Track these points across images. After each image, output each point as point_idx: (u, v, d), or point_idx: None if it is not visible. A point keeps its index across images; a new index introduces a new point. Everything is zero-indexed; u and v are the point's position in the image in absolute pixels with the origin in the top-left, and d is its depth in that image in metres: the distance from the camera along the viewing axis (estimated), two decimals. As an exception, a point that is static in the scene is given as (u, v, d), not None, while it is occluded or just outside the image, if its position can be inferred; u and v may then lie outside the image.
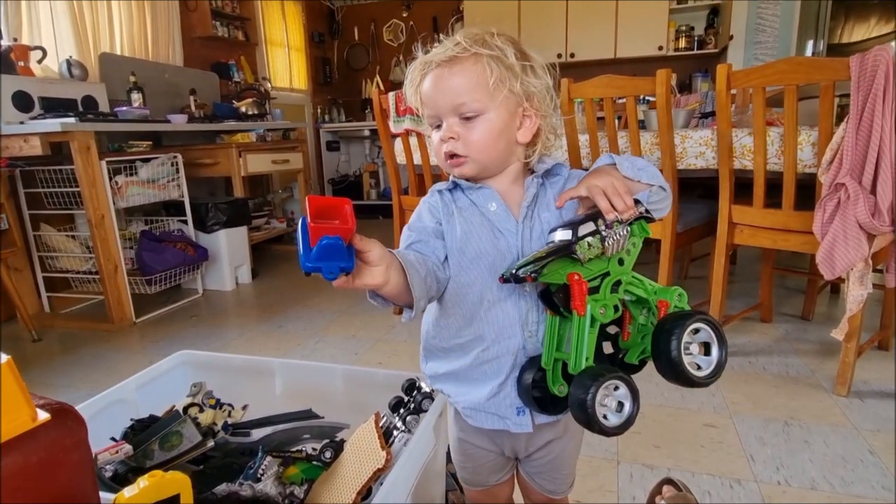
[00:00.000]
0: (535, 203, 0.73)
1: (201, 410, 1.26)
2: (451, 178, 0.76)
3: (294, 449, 1.19)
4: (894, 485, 1.24)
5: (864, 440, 1.41)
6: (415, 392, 1.20)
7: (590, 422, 0.58)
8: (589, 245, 0.62)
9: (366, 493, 1.01)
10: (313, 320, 2.47)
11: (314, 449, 1.19)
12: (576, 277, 0.62)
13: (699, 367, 0.62)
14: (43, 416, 0.55)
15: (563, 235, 0.62)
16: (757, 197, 1.72)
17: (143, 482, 0.54)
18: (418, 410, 1.16)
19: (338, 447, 1.18)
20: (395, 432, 1.14)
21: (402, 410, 1.18)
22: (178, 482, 0.56)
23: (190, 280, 2.86)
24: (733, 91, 1.81)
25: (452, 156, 0.70)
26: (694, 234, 2.01)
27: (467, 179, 0.74)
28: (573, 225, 0.62)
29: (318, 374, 1.26)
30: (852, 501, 1.20)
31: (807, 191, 1.65)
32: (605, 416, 0.59)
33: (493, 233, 0.71)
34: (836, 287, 2.42)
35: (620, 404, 0.60)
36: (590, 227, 0.62)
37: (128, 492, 0.54)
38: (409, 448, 1.03)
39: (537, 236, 0.71)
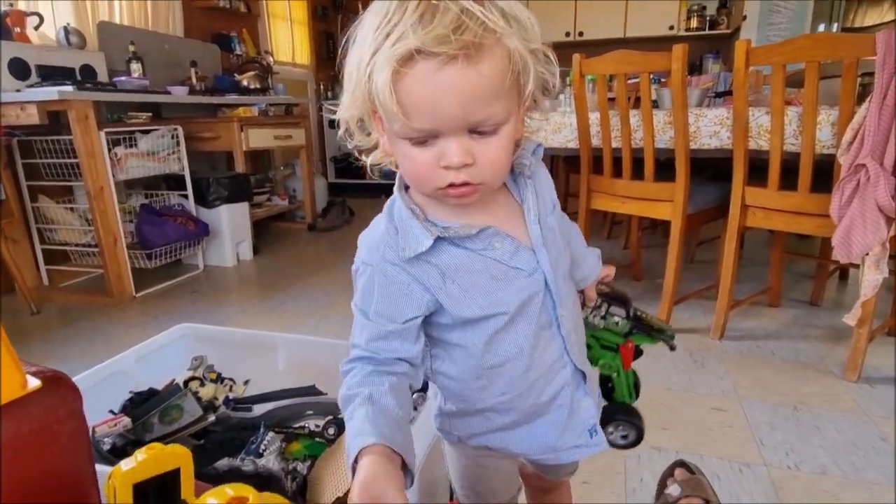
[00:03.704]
0: (537, 208, 0.60)
1: (202, 385, 1.24)
2: (415, 219, 0.55)
3: (297, 425, 1.16)
4: (906, 472, 1.22)
5: (875, 426, 1.39)
6: (421, 370, 1.18)
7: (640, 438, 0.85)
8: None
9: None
10: (316, 298, 2.44)
11: (317, 426, 1.17)
12: (630, 346, 0.82)
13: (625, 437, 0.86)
14: (34, 383, 0.52)
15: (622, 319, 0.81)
16: (772, 179, 1.67)
17: (140, 455, 0.51)
18: (423, 388, 1.14)
19: (341, 424, 1.16)
20: (400, 411, 1.12)
21: (407, 389, 1.16)
22: (178, 455, 0.53)
23: (191, 255, 2.82)
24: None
25: (462, 184, 0.51)
26: (705, 216, 1.97)
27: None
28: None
29: (322, 350, 1.24)
30: (864, 485, 1.18)
31: (823, 174, 1.61)
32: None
33: (509, 276, 0.57)
34: (844, 273, 2.39)
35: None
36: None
37: (125, 465, 0.51)
38: (415, 426, 1.01)
39: (551, 242, 0.60)
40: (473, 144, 0.49)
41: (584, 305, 0.80)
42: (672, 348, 0.85)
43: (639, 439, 0.86)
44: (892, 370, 1.65)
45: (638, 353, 0.85)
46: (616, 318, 0.80)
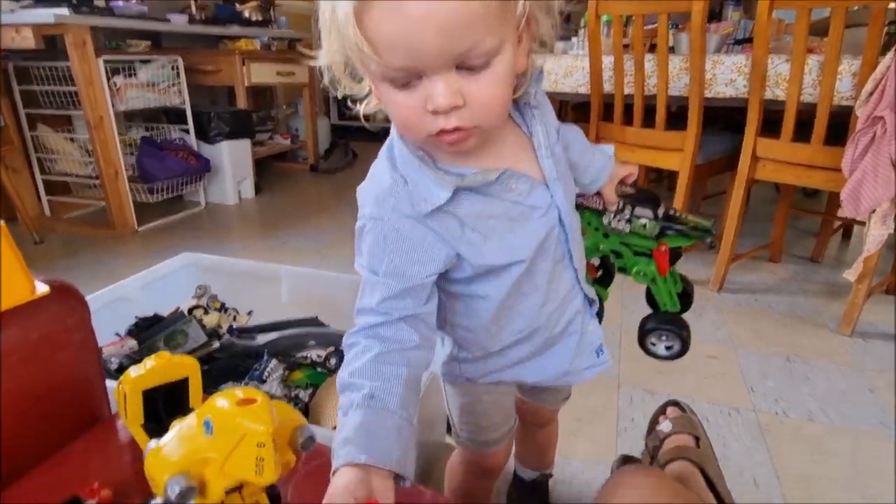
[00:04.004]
0: (547, 140, 0.57)
1: (206, 313, 1.25)
2: (425, 167, 0.51)
3: (299, 355, 1.19)
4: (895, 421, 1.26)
5: (865, 378, 1.42)
6: (423, 305, 1.19)
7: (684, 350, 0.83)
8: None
9: (371, 398, 1.01)
10: (318, 238, 2.44)
11: (319, 356, 1.19)
12: (663, 249, 0.76)
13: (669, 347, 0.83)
14: (42, 288, 0.52)
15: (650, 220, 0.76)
16: (786, 129, 1.64)
17: (149, 362, 0.52)
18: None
19: (343, 355, 1.18)
20: (401, 343, 1.14)
21: (409, 322, 1.18)
22: (187, 365, 0.54)
23: (192, 192, 2.80)
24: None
25: (454, 130, 0.46)
26: (713, 167, 1.94)
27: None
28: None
29: (325, 283, 1.24)
30: (849, 432, 1.22)
31: (838, 127, 1.57)
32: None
33: (525, 215, 0.55)
34: (848, 230, 2.38)
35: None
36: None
37: (134, 371, 0.52)
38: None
39: (561, 174, 0.58)
40: (463, 83, 0.43)
41: (604, 210, 0.75)
42: (711, 246, 0.82)
43: (683, 350, 0.82)
44: (886, 326, 1.67)
45: (675, 255, 0.78)
46: (643, 221, 0.75)
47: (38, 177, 2.58)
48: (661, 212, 0.75)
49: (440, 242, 0.52)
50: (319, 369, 1.19)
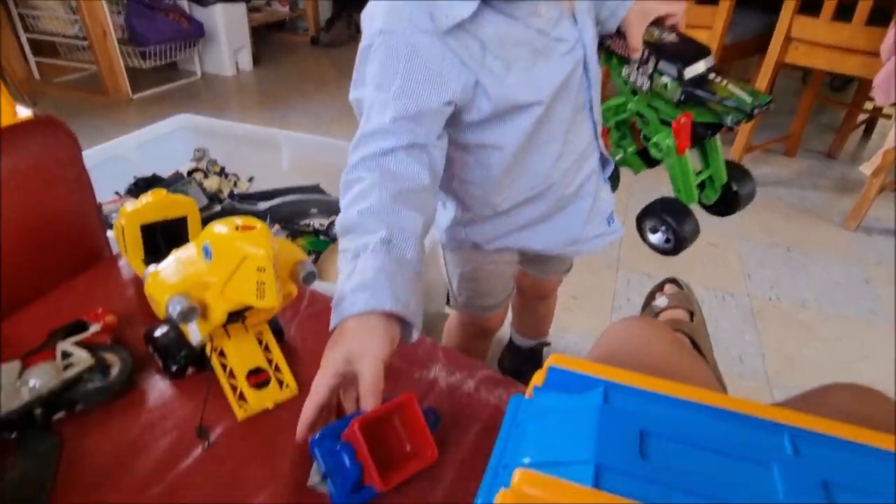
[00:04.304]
0: None
1: (206, 177, 1.23)
2: None
3: (302, 222, 1.18)
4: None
5: (863, 270, 1.43)
6: (427, 175, 1.17)
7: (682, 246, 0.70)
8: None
9: (373, 264, 1.02)
10: (318, 114, 2.36)
11: (321, 224, 1.19)
12: (682, 121, 0.61)
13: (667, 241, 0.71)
14: (24, 112, 0.50)
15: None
16: (827, 6, 1.51)
17: (145, 198, 0.51)
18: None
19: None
20: (404, 213, 1.13)
21: (412, 192, 1.16)
22: (184, 203, 0.53)
23: (187, 59, 2.66)
24: None
25: None
26: (742, 48, 1.82)
27: None
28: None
29: (328, 150, 1.21)
30: (839, 319, 1.25)
31: (882, 8, 1.44)
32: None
33: (550, 49, 0.51)
34: (870, 126, 2.29)
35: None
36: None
37: (130, 206, 0.51)
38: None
39: (588, 9, 0.54)
40: None
41: (628, 59, 0.63)
42: (730, 128, 0.62)
43: (677, 248, 0.70)
44: (892, 222, 1.66)
45: (713, 128, 0.64)
46: (665, 79, 0.60)
47: (22, 35, 2.43)
48: (685, 70, 0.59)
49: (459, 65, 0.47)
50: (322, 237, 1.19)
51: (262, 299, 0.40)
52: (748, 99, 0.59)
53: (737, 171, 0.71)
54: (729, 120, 0.60)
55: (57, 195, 0.55)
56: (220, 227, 0.40)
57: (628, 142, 0.74)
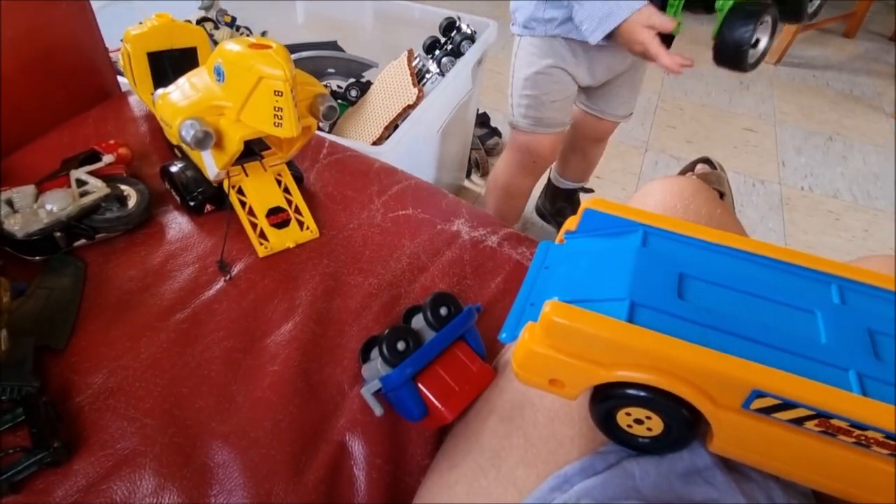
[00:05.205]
0: None
1: (216, 28, 1.15)
2: None
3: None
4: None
5: (904, 163, 1.36)
6: (453, 33, 1.07)
7: (740, 59, 0.64)
8: None
9: (393, 128, 0.97)
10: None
11: (339, 86, 1.13)
12: None
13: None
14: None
15: None
16: None
17: (149, 21, 0.46)
18: (456, 53, 1.05)
19: (364, 87, 1.11)
20: (427, 75, 1.05)
21: (437, 52, 1.07)
22: (194, 32, 0.48)
23: None
24: None
25: None
26: None
27: None
28: None
29: (346, 6, 1.11)
30: (870, 210, 1.21)
31: None
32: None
33: None
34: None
35: (758, 40, 0.63)
36: None
37: (134, 29, 0.46)
38: (443, 85, 0.96)
39: None
40: None
41: None
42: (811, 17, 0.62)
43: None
44: (947, 116, 1.55)
45: None
46: None
47: None
48: None
49: None
50: (339, 101, 1.13)
51: (280, 128, 0.37)
52: None
53: None
54: None
55: (61, 30, 0.51)
56: (232, 45, 0.36)
57: None
